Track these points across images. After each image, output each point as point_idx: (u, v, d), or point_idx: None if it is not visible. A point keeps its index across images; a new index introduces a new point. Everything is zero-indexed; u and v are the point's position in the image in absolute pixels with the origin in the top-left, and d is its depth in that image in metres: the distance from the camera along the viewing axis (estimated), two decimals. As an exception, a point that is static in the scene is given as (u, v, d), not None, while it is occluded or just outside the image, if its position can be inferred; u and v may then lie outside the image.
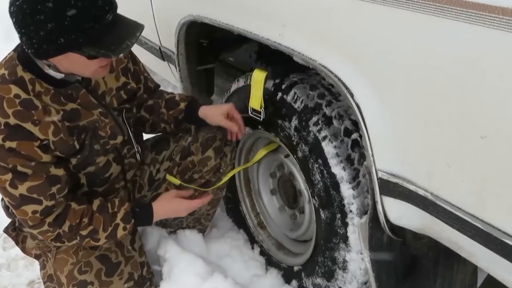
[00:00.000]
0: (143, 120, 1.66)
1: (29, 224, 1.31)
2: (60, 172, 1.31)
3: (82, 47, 1.15)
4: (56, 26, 1.10)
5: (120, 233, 1.41)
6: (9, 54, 1.29)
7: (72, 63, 1.21)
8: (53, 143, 1.27)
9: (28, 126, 1.22)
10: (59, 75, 1.26)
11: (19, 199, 1.26)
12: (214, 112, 1.56)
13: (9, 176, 1.23)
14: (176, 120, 1.63)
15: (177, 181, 1.63)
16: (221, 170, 1.68)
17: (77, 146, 1.33)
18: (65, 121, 1.30)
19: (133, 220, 1.43)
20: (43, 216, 1.29)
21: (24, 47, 1.18)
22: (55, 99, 1.28)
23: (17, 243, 1.61)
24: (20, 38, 1.16)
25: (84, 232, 1.37)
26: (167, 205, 1.51)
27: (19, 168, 1.23)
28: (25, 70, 1.24)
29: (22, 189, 1.25)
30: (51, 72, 1.25)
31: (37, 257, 1.61)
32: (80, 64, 1.21)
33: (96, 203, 1.41)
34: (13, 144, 1.20)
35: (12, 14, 1.12)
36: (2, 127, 1.19)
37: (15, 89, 1.21)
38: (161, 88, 1.74)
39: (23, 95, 1.22)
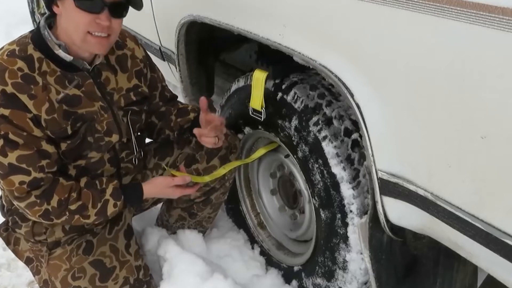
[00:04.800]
0: (152, 126, 1.66)
1: (15, 195, 1.30)
2: (51, 149, 1.31)
3: None
4: None
5: (110, 209, 1.40)
6: (24, 34, 1.33)
7: (67, 18, 1.25)
8: (44, 121, 1.27)
9: (23, 98, 1.24)
10: (68, 57, 1.29)
11: (8, 168, 1.26)
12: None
13: (0, 142, 1.24)
14: (180, 129, 1.63)
15: (183, 174, 1.57)
16: (225, 177, 1.69)
17: (69, 131, 1.32)
18: (64, 104, 1.31)
19: (123, 197, 1.42)
20: (30, 188, 1.29)
21: None
22: (59, 81, 1.30)
23: (8, 244, 1.59)
24: None
25: (73, 207, 1.35)
26: (158, 192, 1.51)
27: (11, 136, 1.24)
28: (36, 49, 1.28)
29: (12, 157, 1.25)
30: (61, 53, 1.29)
31: (28, 261, 1.58)
32: (72, 18, 1.23)
33: (83, 180, 1.40)
34: (6, 112, 1.23)
35: None
36: None
37: (20, 63, 1.25)
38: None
39: (27, 70, 1.25)
